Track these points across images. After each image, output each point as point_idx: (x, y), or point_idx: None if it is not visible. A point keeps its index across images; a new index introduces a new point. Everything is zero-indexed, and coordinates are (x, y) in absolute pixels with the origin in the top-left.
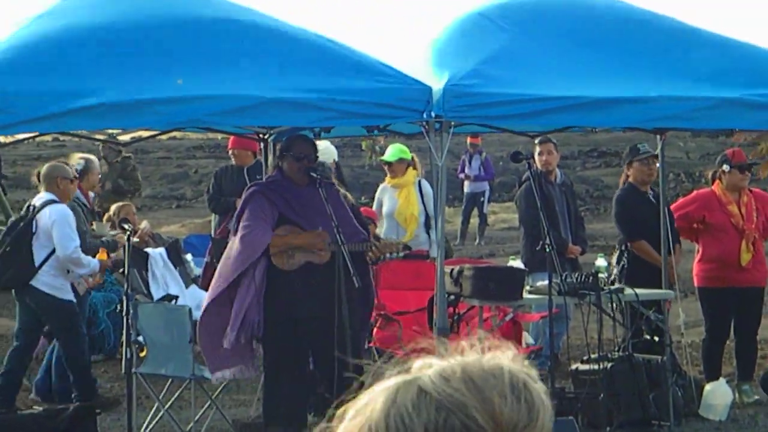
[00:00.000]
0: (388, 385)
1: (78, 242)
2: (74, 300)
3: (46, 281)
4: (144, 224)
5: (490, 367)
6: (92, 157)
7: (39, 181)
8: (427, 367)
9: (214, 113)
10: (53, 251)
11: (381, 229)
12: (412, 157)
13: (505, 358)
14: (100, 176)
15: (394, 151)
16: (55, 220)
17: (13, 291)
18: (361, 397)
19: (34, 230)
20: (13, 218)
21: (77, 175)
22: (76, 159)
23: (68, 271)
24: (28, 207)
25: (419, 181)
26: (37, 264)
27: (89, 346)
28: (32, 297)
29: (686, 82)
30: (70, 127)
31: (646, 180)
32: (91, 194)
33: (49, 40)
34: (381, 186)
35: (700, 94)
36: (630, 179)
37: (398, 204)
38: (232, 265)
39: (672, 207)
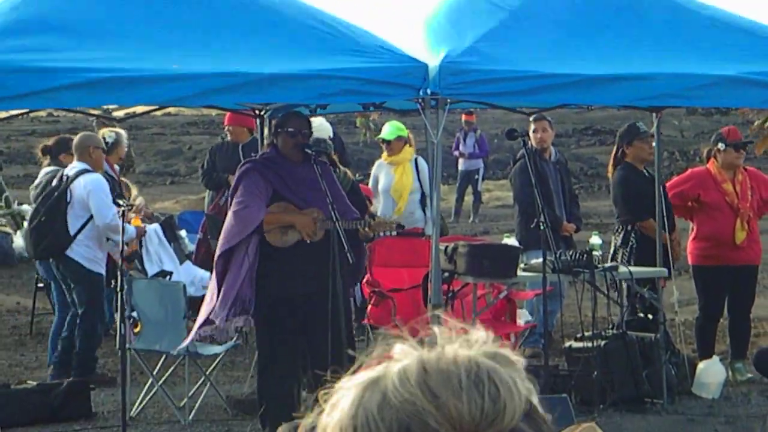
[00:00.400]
0: (357, 382)
1: (115, 209)
2: (104, 274)
3: (81, 252)
4: (139, 200)
5: (448, 364)
6: (121, 131)
7: (43, 154)
8: (393, 364)
9: (210, 90)
10: (88, 221)
11: (378, 206)
12: (408, 135)
13: (473, 346)
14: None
15: (391, 128)
16: (90, 190)
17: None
18: (336, 388)
19: (68, 200)
20: (40, 189)
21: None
22: (107, 132)
23: (107, 239)
24: (61, 177)
25: (415, 159)
26: (72, 234)
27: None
28: (66, 266)
29: (682, 59)
30: (64, 103)
31: (645, 158)
32: (116, 167)
33: (43, 16)
34: (377, 162)
35: (696, 71)
36: (628, 158)
37: (394, 180)
38: (224, 240)
39: (667, 185)
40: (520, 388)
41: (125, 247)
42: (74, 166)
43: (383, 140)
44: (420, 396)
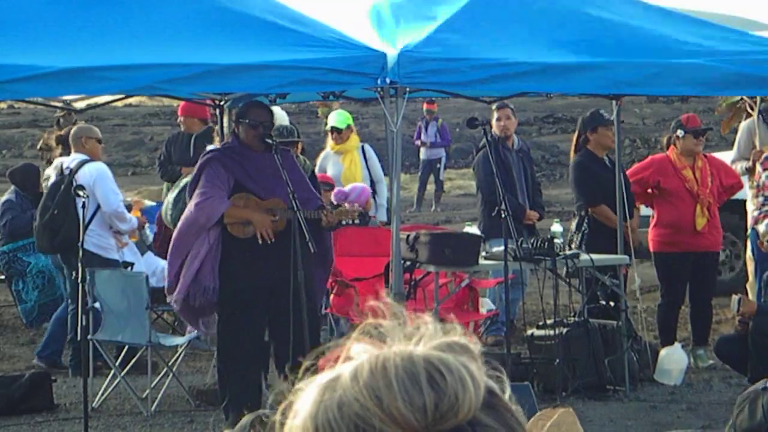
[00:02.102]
0: (317, 383)
1: (121, 197)
2: (119, 260)
3: (94, 241)
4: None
5: (390, 364)
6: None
7: (56, 144)
8: (349, 364)
9: (169, 80)
10: (96, 210)
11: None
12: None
13: (424, 341)
14: None
15: (340, 117)
16: (96, 178)
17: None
18: (296, 391)
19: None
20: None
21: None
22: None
23: (110, 227)
24: (62, 170)
25: (362, 146)
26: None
27: (45, 313)
28: (82, 256)
29: (643, 47)
30: (24, 95)
31: (609, 145)
32: None
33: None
34: (323, 153)
35: (656, 59)
36: (590, 145)
37: (343, 169)
38: (186, 230)
39: (627, 172)
40: (475, 376)
41: (126, 237)
42: (74, 158)
43: (333, 129)
44: (366, 397)
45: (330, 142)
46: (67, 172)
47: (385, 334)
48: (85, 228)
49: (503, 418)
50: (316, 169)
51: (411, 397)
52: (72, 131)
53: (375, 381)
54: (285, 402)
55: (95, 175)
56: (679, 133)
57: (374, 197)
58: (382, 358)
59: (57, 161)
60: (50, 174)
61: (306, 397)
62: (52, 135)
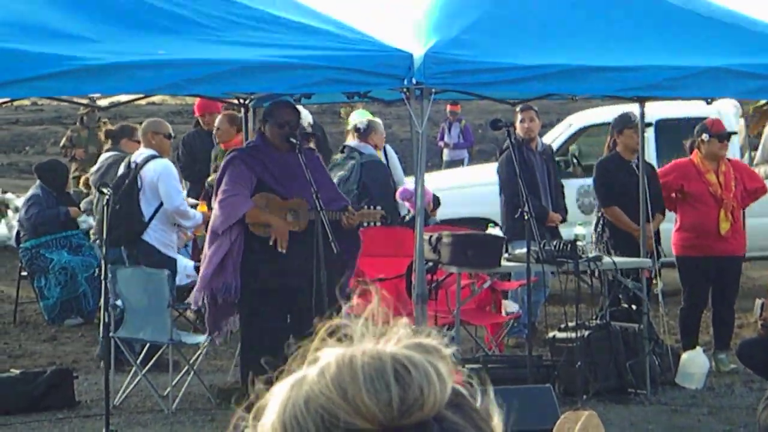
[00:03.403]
0: (284, 383)
1: (183, 194)
2: (176, 258)
3: (156, 236)
4: None
5: (357, 360)
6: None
7: (105, 138)
8: (316, 364)
9: (193, 78)
10: (160, 206)
11: None
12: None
13: (393, 341)
14: None
15: (362, 116)
16: (160, 174)
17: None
18: (270, 392)
19: (139, 186)
20: (101, 173)
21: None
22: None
23: (174, 224)
24: (129, 163)
25: (384, 147)
26: (146, 219)
27: (67, 310)
28: (141, 251)
29: (667, 50)
30: (48, 92)
31: (635, 148)
32: None
33: (27, 4)
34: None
35: (680, 62)
36: (618, 147)
37: None
38: (211, 230)
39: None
40: (442, 374)
41: (189, 233)
42: (141, 153)
43: (356, 128)
44: (332, 390)
45: (354, 140)
46: (133, 166)
47: (353, 336)
48: (148, 223)
49: (470, 417)
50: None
51: (376, 389)
52: (142, 125)
53: (341, 375)
54: (255, 406)
55: (159, 171)
56: (704, 137)
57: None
58: (349, 354)
59: (107, 154)
60: (102, 164)
61: (274, 396)
62: (77, 132)
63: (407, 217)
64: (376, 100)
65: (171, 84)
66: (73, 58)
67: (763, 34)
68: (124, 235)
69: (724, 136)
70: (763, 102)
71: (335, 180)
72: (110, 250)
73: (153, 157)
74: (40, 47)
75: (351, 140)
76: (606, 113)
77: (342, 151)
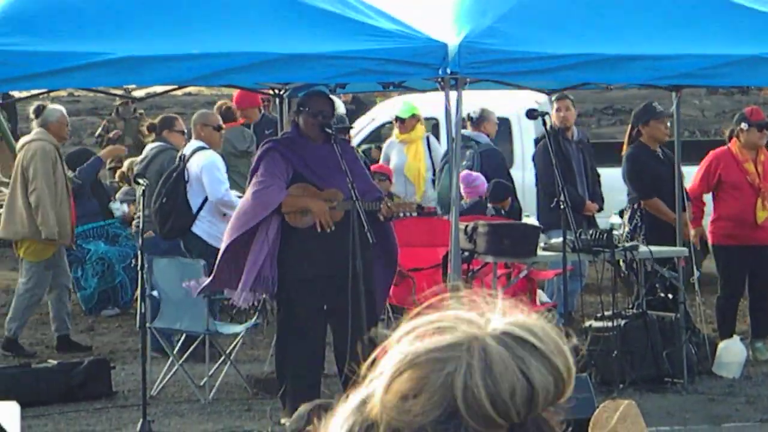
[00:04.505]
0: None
1: (227, 185)
2: None
3: (205, 228)
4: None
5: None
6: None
7: (148, 132)
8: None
9: (229, 69)
10: (207, 197)
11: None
12: (419, 113)
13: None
14: None
15: (405, 107)
16: (203, 166)
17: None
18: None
19: (186, 179)
20: (145, 164)
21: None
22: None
23: (224, 215)
24: (180, 156)
25: (427, 137)
26: (194, 211)
27: (104, 300)
28: (191, 243)
29: (703, 38)
30: (84, 83)
31: (662, 139)
32: None
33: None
34: (388, 141)
35: (716, 51)
36: (643, 138)
37: (407, 160)
38: (242, 218)
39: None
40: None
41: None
42: (191, 145)
43: (397, 118)
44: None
45: (395, 130)
46: (182, 158)
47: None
48: (196, 214)
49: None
50: (381, 157)
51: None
52: (193, 118)
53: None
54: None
55: (202, 163)
56: (743, 126)
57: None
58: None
59: (152, 144)
60: (146, 154)
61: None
62: (113, 122)
63: (465, 204)
64: (411, 89)
65: (206, 75)
66: (108, 49)
67: None
68: (174, 228)
69: (763, 125)
70: None
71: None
72: (165, 242)
73: (200, 149)
74: (76, 39)
75: (395, 130)
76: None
77: None
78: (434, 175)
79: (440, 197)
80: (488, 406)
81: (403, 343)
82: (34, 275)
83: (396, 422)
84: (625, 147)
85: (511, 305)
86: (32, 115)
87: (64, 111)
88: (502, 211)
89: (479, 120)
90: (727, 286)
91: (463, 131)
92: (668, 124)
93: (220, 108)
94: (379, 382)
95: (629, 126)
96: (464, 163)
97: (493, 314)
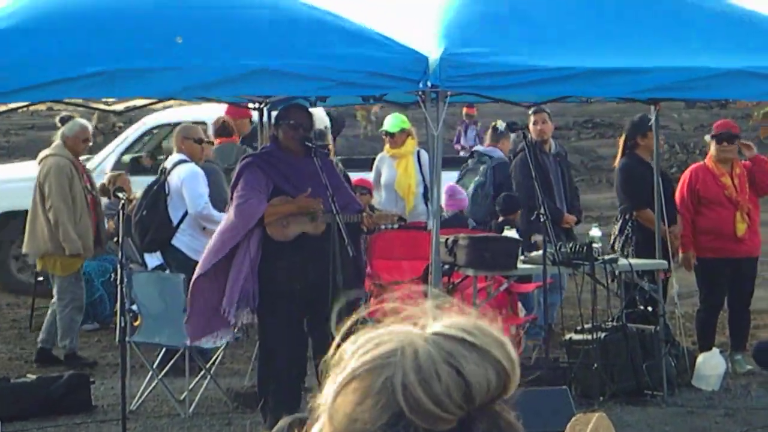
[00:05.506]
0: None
1: (206, 198)
2: None
3: (185, 241)
4: (139, 193)
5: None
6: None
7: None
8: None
9: (208, 82)
10: (187, 211)
11: (379, 200)
12: (410, 127)
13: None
14: None
15: (395, 121)
16: (184, 179)
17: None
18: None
19: (167, 191)
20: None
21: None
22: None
23: (203, 229)
24: (162, 169)
25: (418, 152)
26: (174, 224)
27: (85, 315)
28: (171, 256)
29: (682, 52)
30: (63, 96)
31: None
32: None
33: (43, 9)
34: (380, 155)
35: (695, 64)
36: (638, 150)
37: (397, 175)
38: (226, 234)
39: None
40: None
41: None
42: (172, 158)
43: (386, 133)
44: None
45: (386, 145)
46: (164, 172)
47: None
48: (176, 227)
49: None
50: (372, 171)
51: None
52: (175, 130)
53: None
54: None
55: (183, 176)
56: (707, 138)
57: (427, 204)
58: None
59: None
60: None
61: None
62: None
63: (446, 215)
64: (392, 103)
65: (185, 88)
66: (88, 62)
67: None
68: (154, 240)
69: (723, 138)
70: None
71: (472, 186)
72: (148, 256)
73: (181, 161)
74: (56, 52)
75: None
76: (176, 115)
77: (472, 156)
78: (425, 189)
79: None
80: (427, 403)
81: (349, 362)
82: (67, 289)
83: None
84: (617, 158)
85: (453, 310)
86: (58, 124)
87: (87, 125)
88: (514, 225)
89: (501, 134)
90: (707, 298)
91: (478, 147)
92: (661, 135)
93: (217, 123)
94: (325, 400)
95: (622, 137)
96: (478, 179)
97: (431, 321)
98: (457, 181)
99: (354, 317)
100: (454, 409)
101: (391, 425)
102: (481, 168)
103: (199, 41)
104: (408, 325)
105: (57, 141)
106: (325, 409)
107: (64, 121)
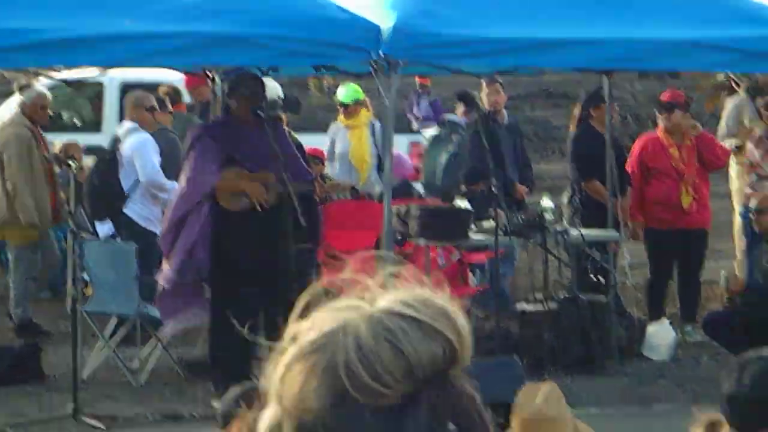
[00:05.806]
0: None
1: (158, 167)
2: (158, 233)
3: (136, 210)
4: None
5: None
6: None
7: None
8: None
9: (160, 51)
10: (138, 179)
11: (333, 170)
12: (365, 98)
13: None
14: None
15: (349, 91)
16: (135, 148)
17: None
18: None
19: (119, 160)
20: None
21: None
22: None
23: (155, 198)
24: (113, 138)
25: (372, 123)
26: (126, 192)
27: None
28: (123, 224)
29: (634, 23)
30: (11, 64)
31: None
32: None
33: None
34: (333, 125)
35: (646, 35)
36: (592, 121)
37: (351, 145)
38: (177, 205)
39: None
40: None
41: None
42: (123, 126)
43: (340, 103)
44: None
45: (340, 115)
46: (116, 140)
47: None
48: (128, 196)
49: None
50: (327, 141)
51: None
52: (126, 99)
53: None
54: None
55: (135, 144)
56: (655, 109)
57: (380, 174)
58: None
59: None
60: None
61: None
62: None
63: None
64: (345, 72)
65: (135, 57)
66: (36, 30)
67: (734, 5)
68: (104, 209)
69: (664, 107)
70: (721, 78)
71: (446, 156)
72: (99, 225)
73: (133, 130)
74: (3, 21)
75: (340, 115)
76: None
77: (442, 125)
78: (379, 160)
79: (426, 181)
80: (368, 380)
81: (295, 343)
82: (22, 259)
83: (297, 415)
84: (571, 129)
85: (407, 279)
86: (17, 92)
87: (45, 92)
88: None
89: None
90: (656, 269)
91: (449, 116)
92: (615, 106)
93: (165, 91)
94: (274, 381)
95: (578, 108)
96: (450, 148)
97: (379, 295)
98: (426, 151)
99: (307, 291)
100: (395, 385)
101: (337, 405)
102: (454, 138)
103: (147, 10)
104: (357, 299)
105: (15, 109)
106: (273, 391)
107: (21, 89)
